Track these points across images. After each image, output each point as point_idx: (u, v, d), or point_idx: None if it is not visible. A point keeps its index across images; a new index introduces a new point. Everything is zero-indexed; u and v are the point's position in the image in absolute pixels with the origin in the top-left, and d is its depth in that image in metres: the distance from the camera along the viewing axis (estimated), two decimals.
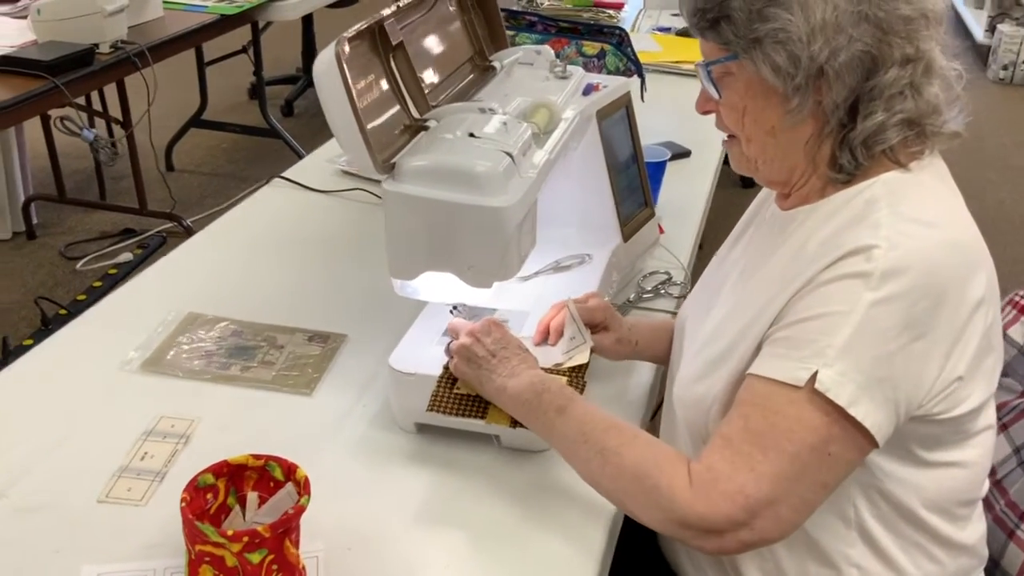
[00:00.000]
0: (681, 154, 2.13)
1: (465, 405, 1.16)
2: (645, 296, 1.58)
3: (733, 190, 4.17)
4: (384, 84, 1.25)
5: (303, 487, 0.97)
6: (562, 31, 2.20)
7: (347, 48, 1.11)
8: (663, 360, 1.35)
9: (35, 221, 3.57)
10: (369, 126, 1.15)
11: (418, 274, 1.18)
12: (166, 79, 3.86)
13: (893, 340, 0.92)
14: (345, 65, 1.09)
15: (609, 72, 2.10)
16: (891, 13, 0.96)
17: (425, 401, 1.18)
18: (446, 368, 1.19)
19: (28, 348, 2.78)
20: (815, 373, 0.92)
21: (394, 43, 1.26)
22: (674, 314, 1.54)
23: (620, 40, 2.16)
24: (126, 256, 3.36)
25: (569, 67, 1.51)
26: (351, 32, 1.15)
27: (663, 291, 1.60)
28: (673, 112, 2.42)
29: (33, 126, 3.59)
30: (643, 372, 1.38)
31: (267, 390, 1.33)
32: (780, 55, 0.96)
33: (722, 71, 1.03)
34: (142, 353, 1.39)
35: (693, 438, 1.10)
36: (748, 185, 4.23)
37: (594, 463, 1.02)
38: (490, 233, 1.13)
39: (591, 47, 2.12)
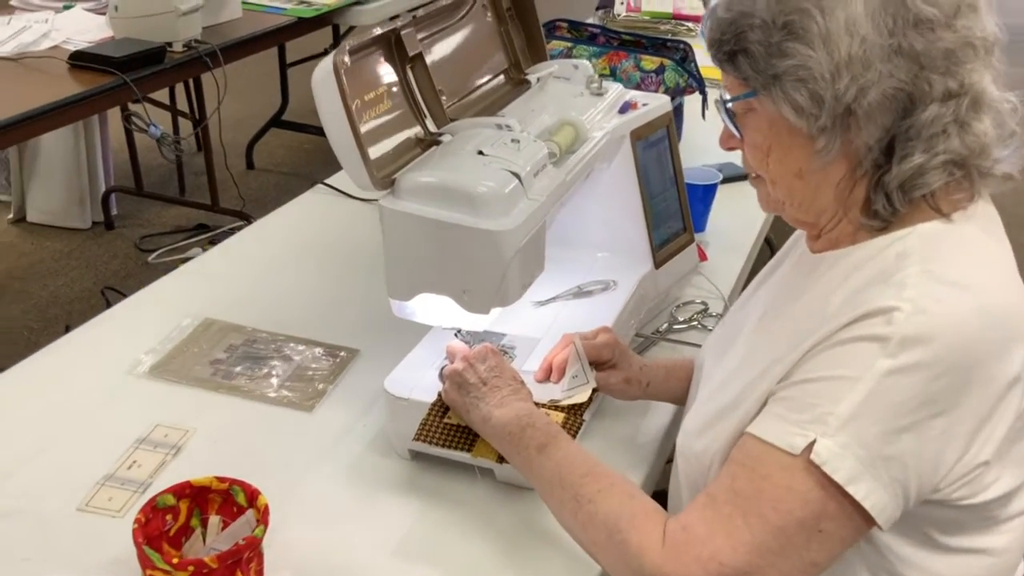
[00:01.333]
0: (738, 176, 2.02)
1: (453, 436, 1.10)
2: (677, 327, 1.50)
3: None
4: (398, 96, 1.20)
5: (262, 515, 0.93)
6: (624, 44, 2.12)
7: (347, 59, 1.07)
8: (681, 401, 1.27)
9: (114, 212, 3.66)
10: (372, 140, 1.11)
11: (414, 295, 1.13)
12: (250, 79, 3.92)
13: (907, 415, 0.82)
14: (344, 76, 1.04)
15: (667, 88, 2.01)
16: (931, 45, 0.85)
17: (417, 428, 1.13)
18: (440, 396, 1.13)
19: None
20: (813, 442, 0.82)
21: (411, 53, 1.21)
22: None
23: (684, 56, 2.08)
24: (196, 251, 3.41)
25: (606, 83, 1.44)
26: (356, 41, 1.11)
27: (697, 323, 1.51)
28: None
29: (116, 120, 3.69)
30: (660, 413, 1.29)
31: (268, 403, 1.29)
32: (801, 94, 0.86)
33: (744, 107, 0.94)
34: (151, 357, 1.37)
35: (692, 495, 1.02)
36: None
37: (567, 508, 0.95)
38: (488, 257, 1.07)
39: (650, 62, 2.03)
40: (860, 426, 0.82)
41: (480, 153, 1.13)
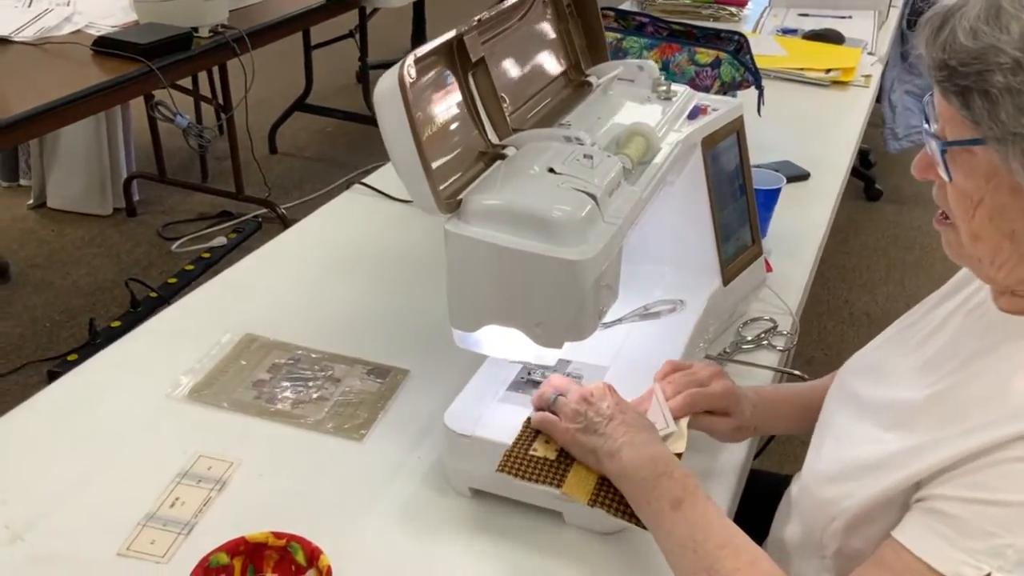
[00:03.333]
0: (798, 176, 1.93)
1: (540, 468, 1.01)
2: (745, 347, 1.41)
3: (856, 204, 3.89)
4: (460, 106, 1.11)
5: None
6: (674, 35, 2.02)
7: (414, 72, 0.97)
8: (785, 432, 1.18)
9: (136, 198, 3.59)
10: (435, 157, 1.02)
11: (480, 326, 1.04)
12: (273, 61, 3.82)
13: None
14: (409, 91, 0.95)
15: (723, 83, 1.91)
16: None
17: (483, 466, 1.05)
18: (528, 422, 1.04)
19: (116, 330, 2.78)
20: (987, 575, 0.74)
21: (474, 59, 1.12)
22: (777, 372, 1.37)
23: (739, 47, 1.97)
24: (220, 240, 3.33)
25: (675, 86, 1.34)
26: (423, 50, 1.02)
27: (767, 341, 1.42)
28: (793, 127, 2.21)
29: (138, 103, 3.60)
30: (737, 445, 1.20)
31: (315, 431, 1.21)
32: None
33: (961, 148, 0.80)
34: (190, 378, 1.29)
35: (804, 532, 0.94)
36: (874, 198, 3.95)
37: None
38: (564, 288, 0.98)
39: (705, 55, 1.93)
40: None
41: (551, 171, 1.04)
